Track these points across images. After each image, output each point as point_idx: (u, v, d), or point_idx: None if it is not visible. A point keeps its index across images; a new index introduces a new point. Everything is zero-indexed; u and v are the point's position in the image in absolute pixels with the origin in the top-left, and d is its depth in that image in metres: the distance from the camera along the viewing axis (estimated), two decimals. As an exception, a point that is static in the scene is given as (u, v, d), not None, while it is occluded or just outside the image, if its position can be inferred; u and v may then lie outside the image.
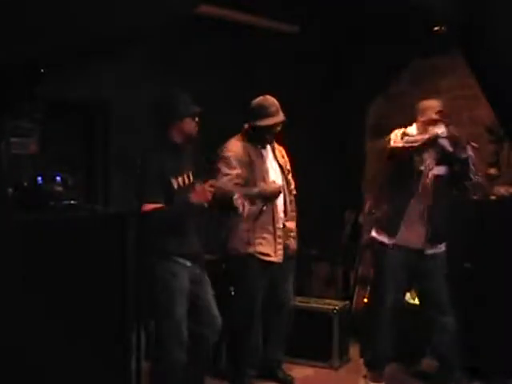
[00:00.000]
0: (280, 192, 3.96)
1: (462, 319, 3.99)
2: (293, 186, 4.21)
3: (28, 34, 3.42)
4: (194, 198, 3.33)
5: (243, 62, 5.29)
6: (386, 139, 3.85)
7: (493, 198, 4.24)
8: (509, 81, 3.78)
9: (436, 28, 4.75)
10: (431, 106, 3.87)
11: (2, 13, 3.16)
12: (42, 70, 3.86)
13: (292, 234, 4.11)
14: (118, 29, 3.83)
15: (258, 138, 4.01)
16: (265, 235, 3.92)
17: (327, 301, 4.77)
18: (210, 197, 3.35)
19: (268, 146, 4.08)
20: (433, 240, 3.88)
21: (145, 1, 3.62)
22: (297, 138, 4.21)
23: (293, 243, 4.11)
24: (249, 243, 3.89)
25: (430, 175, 3.84)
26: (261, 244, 3.90)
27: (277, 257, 3.95)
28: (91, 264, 3.34)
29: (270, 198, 3.91)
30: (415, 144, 3.74)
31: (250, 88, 5.03)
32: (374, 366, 4.04)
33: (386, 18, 5.16)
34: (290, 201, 4.13)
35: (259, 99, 3.99)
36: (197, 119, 3.50)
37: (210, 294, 3.55)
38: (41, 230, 3.19)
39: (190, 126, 3.48)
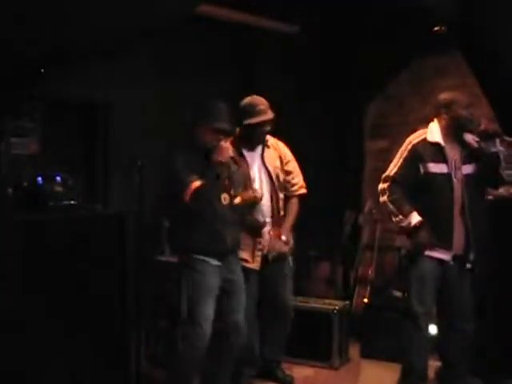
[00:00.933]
0: (258, 201, 3.85)
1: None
2: (297, 187, 4.13)
3: (28, 34, 3.42)
4: (219, 156, 3.39)
5: (243, 62, 5.29)
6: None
7: (492, 198, 4.23)
8: (509, 81, 3.78)
9: (436, 28, 4.74)
10: (456, 100, 3.66)
11: (2, 13, 3.16)
12: (42, 70, 3.86)
13: (280, 237, 4.01)
14: (118, 29, 3.83)
15: (247, 139, 3.97)
16: (245, 241, 3.87)
17: (327, 301, 4.76)
18: (230, 154, 3.47)
19: (258, 149, 4.02)
20: (471, 245, 3.71)
21: (145, 1, 3.62)
22: (296, 138, 4.20)
23: (280, 245, 4.01)
24: None
25: (459, 175, 3.68)
26: (242, 250, 3.85)
27: (254, 263, 3.93)
28: (91, 264, 3.35)
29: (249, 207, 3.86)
30: (394, 219, 3.71)
31: (249, 88, 5.04)
32: None
33: (385, 17, 5.16)
34: (278, 209, 4.03)
35: (247, 99, 3.94)
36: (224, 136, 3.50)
37: (240, 296, 3.60)
38: (41, 229, 3.19)
39: (216, 140, 3.46)
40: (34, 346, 3.08)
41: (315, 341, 4.52)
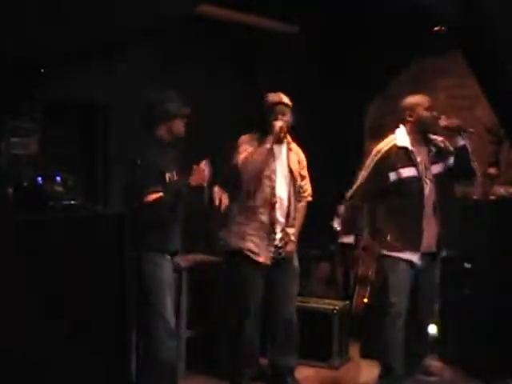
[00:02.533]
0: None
1: (462, 320, 3.99)
2: (307, 193, 4.16)
3: (28, 35, 3.42)
4: (193, 179, 3.45)
5: (243, 62, 5.29)
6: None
7: (493, 198, 4.24)
8: (509, 81, 3.78)
9: (436, 28, 4.74)
10: (419, 102, 3.76)
11: (2, 13, 3.16)
12: (42, 70, 3.86)
13: (290, 238, 4.01)
14: (118, 29, 3.83)
15: (266, 132, 3.90)
16: (260, 233, 3.90)
17: (327, 301, 4.77)
18: (207, 177, 3.48)
19: (282, 147, 4.02)
20: (441, 242, 3.79)
21: (145, 1, 3.62)
22: (296, 138, 4.20)
23: (290, 245, 4.00)
24: (241, 237, 3.90)
25: (429, 175, 3.74)
26: (252, 241, 3.88)
27: (265, 258, 3.91)
28: (91, 264, 3.34)
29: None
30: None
31: (250, 88, 5.04)
32: None
33: (385, 17, 5.16)
34: (295, 208, 4.04)
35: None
36: (185, 120, 3.60)
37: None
38: (41, 229, 3.19)
39: (179, 126, 3.60)
40: (34, 346, 3.08)
41: (315, 341, 4.52)
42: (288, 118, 3.96)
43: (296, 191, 4.07)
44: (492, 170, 4.53)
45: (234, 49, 5.22)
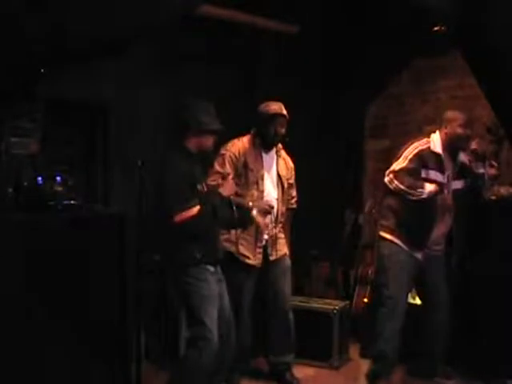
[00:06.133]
0: (270, 212, 3.97)
1: (462, 319, 3.99)
2: (294, 200, 4.26)
3: (28, 34, 3.42)
4: (226, 191, 3.53)
5: (243, 62, 5.29)
6: (398, 159, 3.87)
7: (493, 198, 4.24)
8: (509, 81, 3.79)
9: (436, 28, 4.75)
10: (456, 118, 3.92)
11: (3, 13, 3.17)
12: (42, 70, 3.86)
13: (279, 241, 4.13)
14: (118, 29, 3.83)
15: (262, 140, 4.05)
16: (246, 237, 3.98)
17: (327, 301, 4.77)
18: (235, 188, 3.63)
19: (273, 153, 4.10)
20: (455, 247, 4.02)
21: (145, 1, 3.62)
22: (297, 138, 4.20)
23: (280, 248, 4.12)
24: (232, 241, 3.98)
25: (450, 189, 3.91)
26: (241, 245, 3.98)
27: (255, 260, 4.01)
28: (91, 264, 3.35)
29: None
30: (414, 196, 3.78)
31: (250, 88, 5.04)
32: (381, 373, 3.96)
33: (386, 18, 5.16)
34: (282, 212, 4.12)
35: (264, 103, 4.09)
36: (216, 136, 3.57)
37: (226, 293, 3.62)
38: (41, 229, 3.19)
39: (208, 141, 3.54)
40: (34, 346, 3.08)
41: (315, 341, 4.53)
42: (284, 128, 4.06)
43: (285, 196, 4.15)
44: (492, 170, 4.54)
45: (234, 48, 5.22)
